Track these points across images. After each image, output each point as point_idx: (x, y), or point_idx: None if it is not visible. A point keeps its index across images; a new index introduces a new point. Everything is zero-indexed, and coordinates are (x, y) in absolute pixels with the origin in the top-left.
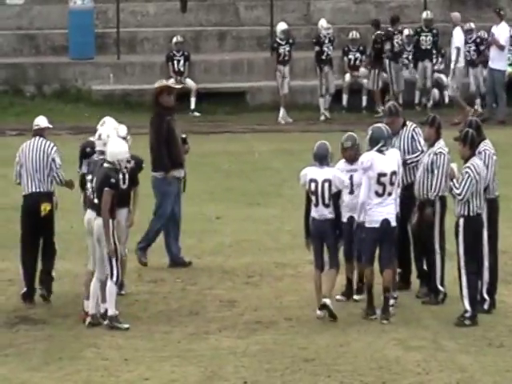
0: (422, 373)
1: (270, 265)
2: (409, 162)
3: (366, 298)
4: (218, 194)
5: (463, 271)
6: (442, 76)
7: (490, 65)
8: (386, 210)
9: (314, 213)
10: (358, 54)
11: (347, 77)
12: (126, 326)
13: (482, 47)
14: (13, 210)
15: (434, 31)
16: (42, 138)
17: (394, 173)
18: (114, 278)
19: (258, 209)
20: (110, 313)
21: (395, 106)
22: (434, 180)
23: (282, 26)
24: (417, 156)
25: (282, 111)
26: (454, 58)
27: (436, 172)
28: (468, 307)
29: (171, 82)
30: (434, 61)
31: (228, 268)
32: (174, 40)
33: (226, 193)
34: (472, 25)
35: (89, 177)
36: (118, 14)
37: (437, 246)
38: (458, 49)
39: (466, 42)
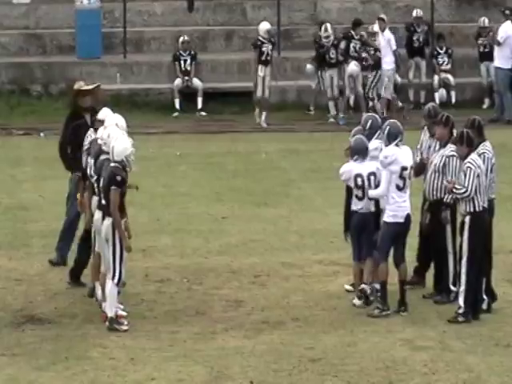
0: (429, 373)
1: (276, 265)
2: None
3: (381, 293)
4: (225, 194)
5: (464, 269)
6: (449, 76)
7: (495, 64)
8: (407, 205)
9: (357, 206)
10: (364, 54)
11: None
12: (125, 327)
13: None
14: (20, 209)
15: (425, 28)
16: None
17: (411, 167)
18: (116, 280)
19: (265, 209)
20: (109, 314)
21: (434, 108)
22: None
23: (265, 26)
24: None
25: (264, 115)
26: (392, 60)
27: (449, 176)
28: (462, 303)
29: (82, 83)
30: (441, 61)
31: (235, 268)
32: (181, 40)
33: (232, 193)
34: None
35: (95, 177)
36: (125, 14)
37: (449, 246)
38: (396, 51)
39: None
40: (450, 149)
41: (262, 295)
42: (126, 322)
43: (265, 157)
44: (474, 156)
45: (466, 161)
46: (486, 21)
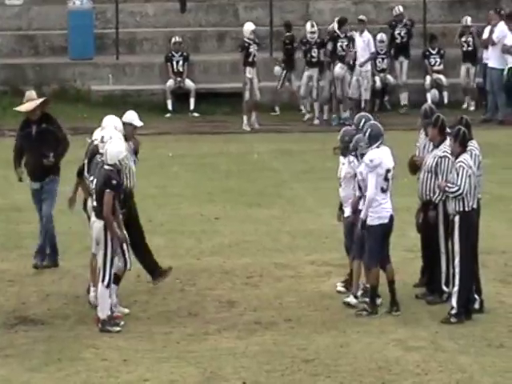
0: (422, 373)
1: (269, 265)
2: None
3: (371, 296)
4: (218, 194)
5: (457, 269)
6: (442, 76)
7: (488, 64)
8: (390, 206)
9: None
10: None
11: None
12: (118, 329)
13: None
14: (13, 210)
15: (408, 26)
16: None
17: (393, 168)
18: (106, 282)
19: (258, 209)
20: (101, 317)
21: (431, 108)
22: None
23: (250, 27)
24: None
25: (254, 115)
26: (363, 60)
27: (440, 176)
28: (454, 304)
29: (30, 98)
30: (433, 62)
31: (227, 268)
32: (173, 41)
33: (225, 193)
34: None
35: (90, 178)
36: (117, 15)
37: (442, 247)
38: (374, 54)
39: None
40: (443, 149)
41: (254, 296)
42: (121, 323)
43: (257, 157)
44: (466, 156)
45: (458, 160)
46: (469, 20)
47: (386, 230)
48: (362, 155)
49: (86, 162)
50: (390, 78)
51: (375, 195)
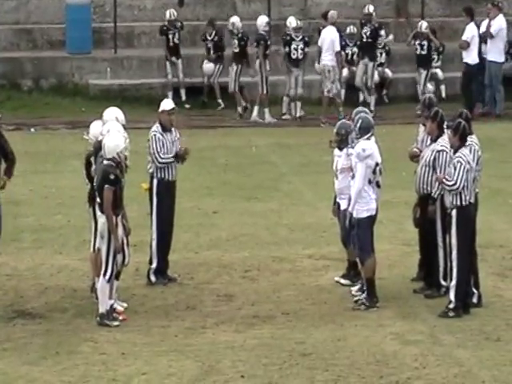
0: (420, 367)
1: (267, 259)
2: None
3: (368, 290)
4: (216, 188)
5: (455, 263)
6: (438, 71)
7: (487, 57)
8: (375, 196)
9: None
10: (355, 49)
11: (345, 71)
12: (116, 323)
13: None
14: (11, 204)
15: (373, 27)
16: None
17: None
18: (107, 276)
19: (256, 203)
20: (100, 310)
21: (430, 99)
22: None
23: (264, 19)
24: None
25: (267, 110)
26: (333, 58)
27: (438, 170)
28: (453, 298)
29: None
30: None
31: (225, 262)
32: (168, 17)
33: (223, 187)
34: (353, 28)
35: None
36: (115, 9)
37: (439, 241)
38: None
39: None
40: (441, 143)
41: (252, 289)
42: (121, 318)
43: (255, 151)
44: (465, 151)
45: (456, 155)
46: (424, 25)
47: (373, 221)
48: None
49: (92, 160)
50: (388, 71)
51: (364, 186)
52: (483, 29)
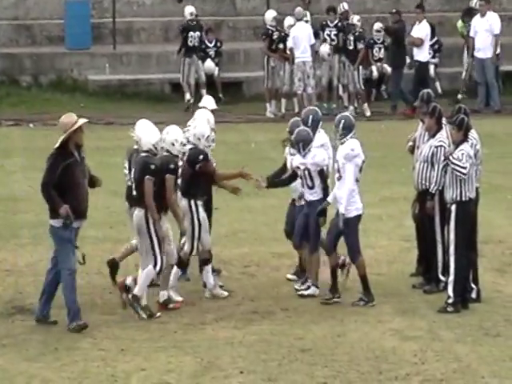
0: (419, 362)
1: (266, 255)
2: None
3: (364, 286)
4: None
5: (452, 258)
6: (386, 66)
7: (476, 55)
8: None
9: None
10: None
11: (374, 69)
12: (144, 316)
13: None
14: (10, 200)
15: (343, 24)
16: None
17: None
18: (158, 268)
19: (255, 199)
20: (135, 291)
21: (428, 94)
22: (434, 174)
23: (272, 13)
24: None
25: (283, 102)
26: (306, 52)
27: (436, 166)
28: (451, 293)
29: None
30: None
31: (225, 258)
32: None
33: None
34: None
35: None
36: (114, 4)
37: (438, 237)
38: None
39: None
40: (439, 139)
41: (251, 285)
42: (171, 306)
43: (254, 147)
44: (466, 146)
45: (459, 148)
46: (356, 18)
47: (360, 220)
48: (335, 147)
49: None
50: (386, 67)
51: (354, 186)
52: (485, 26)
